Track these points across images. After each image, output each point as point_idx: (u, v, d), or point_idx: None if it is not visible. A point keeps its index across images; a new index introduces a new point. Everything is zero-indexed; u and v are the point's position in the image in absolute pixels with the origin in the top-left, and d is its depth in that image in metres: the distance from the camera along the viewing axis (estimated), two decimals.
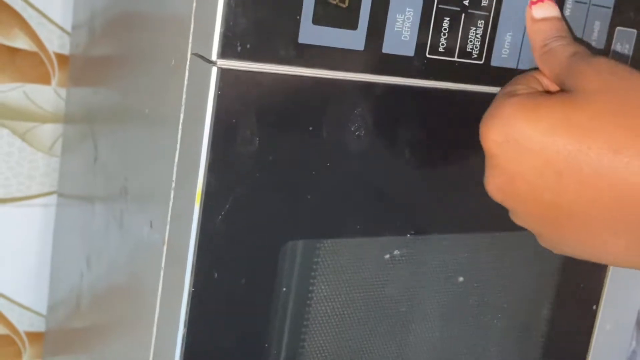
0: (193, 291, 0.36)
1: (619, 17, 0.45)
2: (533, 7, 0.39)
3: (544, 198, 0.34)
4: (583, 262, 0.51)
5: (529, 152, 0.33)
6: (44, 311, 0.67)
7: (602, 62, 0.35)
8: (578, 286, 0.51)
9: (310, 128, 0.37)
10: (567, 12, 0.43)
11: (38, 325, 0.67)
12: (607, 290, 0.51)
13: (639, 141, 0.31)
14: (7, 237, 0.64)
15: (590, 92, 0.33)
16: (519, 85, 0.37)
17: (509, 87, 0.37)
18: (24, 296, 0.66)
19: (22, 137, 0.62)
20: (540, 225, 0.36)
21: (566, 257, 0.50)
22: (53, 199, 0.64)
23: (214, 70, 0.34)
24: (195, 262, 0.36)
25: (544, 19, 0.39)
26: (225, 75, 0.34)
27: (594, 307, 0.52)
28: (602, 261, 0.36)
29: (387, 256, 0.42)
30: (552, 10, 0.40)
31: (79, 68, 0.58)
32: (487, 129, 0.35)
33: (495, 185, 0.36)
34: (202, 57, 0.35)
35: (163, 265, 0.38)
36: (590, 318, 0.53)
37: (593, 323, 0.53)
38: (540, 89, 0.37)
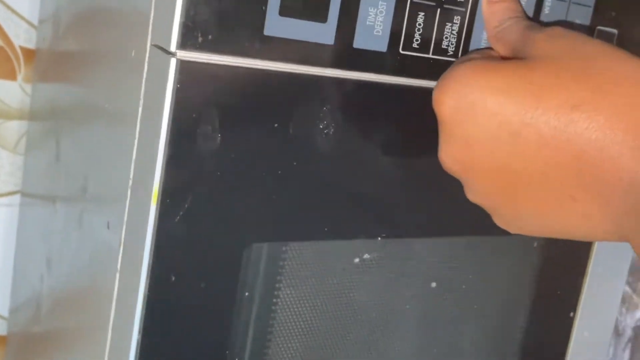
0: (148, 295, 0.34)
1: (599, 17, 0.43)
2: None
3: (501, 162, 0.32)
4: (560, 268, 0.50)
5: (484, 114, 0.32)
6: (6, 314, 0.64)
7: (556, 29, 0.34)
8: (555, 293, 0.50)
9: (276, 125, 0.35)
10: (546, 10, 0.41)
11: (0, 328, 0.65)
12: (585, 297, 0.50)
13: (598, 97, 0.30)
14: None
15: (546, 55, 0.32)
16: (473, 54, 0.36)
17: (463, 57, 0.36)
18: None
19: None
20: (495, 196, 0.34)
21: (543, 262, 0.49)
22: (17, 198, 0.62)
23: (173, 61, 0.32)
24: (151, 264, 0.34)
25: (499, 1, 0.38)
26: (184, 67, 0.32)
27: (571, 314, 0.51)
28: (556, 233, 0.34)
29: (357, 260, 0.41)
30: None
31: (44, 63, 0.56)
32: (440, 93, 0.34)
33: (450, 154, 0.34)
34: (161, 48, 0.33)
35: (119, 267, 0.36)
36: (568, 325, 0.51)
37: (570, 330, 0.52)
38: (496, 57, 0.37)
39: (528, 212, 0.34)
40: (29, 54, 0.60)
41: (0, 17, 0.58)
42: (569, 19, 0.43)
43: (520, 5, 0.39)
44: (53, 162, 0.49)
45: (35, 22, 0.59)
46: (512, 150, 0.32)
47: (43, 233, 0.52)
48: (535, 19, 0.41)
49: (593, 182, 0.30)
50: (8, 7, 0.58)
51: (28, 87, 0.60)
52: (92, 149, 0.42)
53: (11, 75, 0.60)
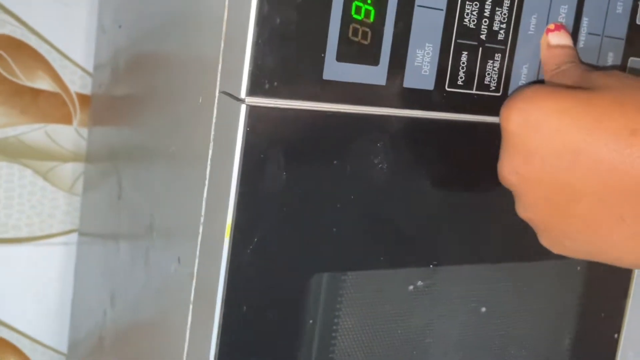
0: (223, 324, 0.36)
1: (631, 48, 0.46)
2: (550, 34, 0.41)
3: (558, 179, 0.35)
4: (603, 291, 0.52)
5: (548, 131, 0.35)
6: (65, 350, 0.67)
7: (615, 70, 0.38)
8: (599, 315, 0.52)
9: (335, 162, 0.38)
10: (581, 44, 0.44)
11: None
12: (628, 318, 0.51)
13: None
14: (28, 276, 0.65)
15: (606, 86, 0.35)
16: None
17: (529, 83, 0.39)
18: (45, 335, 0.66)
19: (44, 176, 0.63)
20: (546, 211, 0.36)
21: (586, 285, 0.50)
22: (73, 237, 0.65)
23: (243, 107, 0.35)
24: (225, 295, 0.36)
25: (558, 46, 0.41)
26: (253, 112, 0.35)
27: (616, 335, 0.52)
28: (600, 255, 0.36)
29: (411, 287, 0.43)
30: (566, 39, 0.42)
31: (101, 107, 0.59)
32: (507, 109, 0.36)
33: (510, 166, 0.37)
34: (230, 95, 0.36)
35: (192, 299, 0.38)
36: (612, 347, 0.53)
37: (615, 352, 0.53)
38: None
39: (576, 229, 0.36)
40: (84, 99, 0.63)
41: (57, 64, 0.62)
42: (603, 51, 0.45)
43: (577, 52, 0.42)
44: (114, 201, 0.52)
45: (90, 69, 0.63)
46: (571, 167, 0.34)
47: (104, 269, 0.55)
48: None
49: None
50: (64, 55, 0.62)
51: (83, 131, 0.64)
52: (158, 188, 0.45)
53: (67, 120, 0.63)
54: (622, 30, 0.45)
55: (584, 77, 0.37)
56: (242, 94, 0.35)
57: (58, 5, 0.61)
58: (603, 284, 0.51)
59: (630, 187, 0.33)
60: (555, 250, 0.38)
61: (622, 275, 0.51)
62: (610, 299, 0.51)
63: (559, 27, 0.41)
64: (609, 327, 0.52)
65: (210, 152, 0.37)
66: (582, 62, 0.41)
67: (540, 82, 0.42)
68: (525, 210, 0.38)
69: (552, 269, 0.48)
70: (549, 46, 0.41)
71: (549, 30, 0.41)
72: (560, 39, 0.41)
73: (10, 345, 0.65)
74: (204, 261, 0.38)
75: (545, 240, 0.38)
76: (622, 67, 0.46)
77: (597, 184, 0.34)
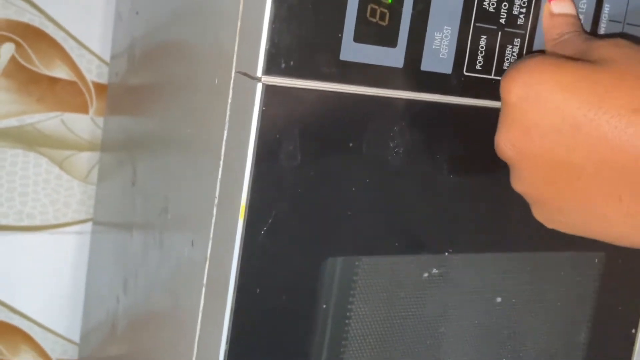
0: (236, 307, 0.36)
1: None
2: (552, 2, 0.40)
3: (557, 154, 0.34)
4: (621, 285, 0.51)
5: (549, 105, 0.34)
6: (77, 339, 0.67)
7: (619, 38, 0.36)
8: (616, 309, 0.51)
9: (351, 144, 0.38)
10: (602, 31, 0.43)
11: (71, 353, 0.67)
12: None
13: None
14: (41, 264, 0.65)
15: (611, 59, 0.34)
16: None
17: (532, 53, 0.38)
18: (58, 324, 0.66)
19: (60, 165, 0.64)
20: (543, 186, 0.36)
21: (604, 278, 0.49)
22: (88, 226, 0.65)
23: (259, 86, 0.34)
24: (237, 278, 0.36)
25: (561, 14, 0.40)
26: (269, 91, 0.34)
27: (633, 330, 0.51)
28: (593, 232, 0.35)
29: (426, 275, 0.42)
30: (569, 7, 0.41)
31: (117, 96, 0.59)
32: (508, 80, 0.35)
33: (508, 139, 0.36)
34: (246, 74, 0.35)
35: (205, 282, 0.38)
36: (630, 341, 0.52)
37: (632, 347, 0.52)
38: None
39: (572, 206, 0.35)
40: (100, 88, 0.63)
41: (74, 53, 0.62)
42: None
43: (580, 21, 0.41)
44: (129, 188, 0.52)
45: (107, 58, 0.63)
46: (571, 144, 0.33)
47: (117, 256, 0.55)
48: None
49: None
50: (81, 44, 0.62)
51: (99, 120, 0.64)
52: (172, 172, 0.45)
53: (83, 109, 0.64)
54: None
55: (587, 47, 0.36)
56: (259, 72, 0.34)
57: None
58: (621, 278, 0.50)
59: (629, 166, 0.32)
60: (549, 224, 0.38)
61: None
62: (628, 293, 0.50)
63: None
64: (626, 322, 0.51)
65: (225, 133, 0.37)
66: (584, 31, 0.40)
67: (543, 50, 0.41)
68: (521, 183, 0.37)
69: (570, 260, 0.47)
70: (552, 14, 0.40)
71: None
72: (563, 7, 0.40)
73: (23, 333, 0.65)
74: (218, 244, 0.37)
75: (539, 215, 0.38)
76: None
77: (597, 162, 0.33)
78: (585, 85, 0.33)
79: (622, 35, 0.44)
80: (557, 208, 0.36)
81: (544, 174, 0.35)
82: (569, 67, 0.34)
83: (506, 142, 0.36)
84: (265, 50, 0.34)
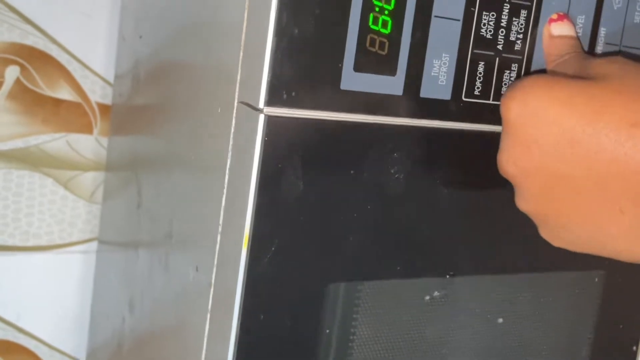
0: (240, 333, 0.36)
1: None
2: (552, 24, 0.41)
3: (558, 170, 0.34)
4: (622, 302, 0.51)
5: (547, 120, 0.34)
6: (83, 358, 0.68)
7: (617, 56, 0.37)
8: (617, 327, 0.51)
9: (352, 171, 0.38)
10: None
11: None
12: None
13: None
14: (47, 284, 0.65)
15: (607, 75, 0.35)
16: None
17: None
18: (64, 343, 0.67)
19: (65, 185, 0.64)
20: (546, 203, 0.36)
21: (604, 296, 0.50)
22: (93, 245, 0.66)
23: (261, 117, 0.35)
24: (242, 304, 0.36)
25: (560, 36, 0.41)
26: (271, 122, 0.35)
27: (634, 347, 0.52)
28: (598, 248, 0.36)
29: (427, 297, 0.43)
30: (569, 29, 0.41)
31: (121, 116, 0.60)
32: (507, 99, 0.36)
33: (509, 157, 0.36)
34: (249, 105, 0.36)
35: (210, 307, 0.39)
36: (631, 358, 0.52)
37: None
38: None
39: (575, 222, 0.35)
40: (104, 109, 0.64)
41: (78, 75, 0.63)
42: None
43: (580, 42, 0.41)
44: (134, 209, 0.53)
45: (110, 79, 0.64)
46: (570, 158, 0.34)
47: (123, 276, 0.55)
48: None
49: None
50: (85, 65, 0.63)
51: (104, 140, 0.65)
52: (177, 196, 0.45)
53: (87, 129, 0.64)
54: None
55: (586, 65, 0.37)
56: (261, 104, 0.35)
57: (80, 16, 0.62)
58: (621, 296, 0.50)
59: (629, 180, 0.32)
60: (555, 243, 0.38)
61: None
62: (629, 310, 0.51)
63: (562, 17, 0.41)
64: (628, 339, 0.51)
65: (228, 161, 0.38)
66: (583, 52, 0.41)
67: (543, 72, 0.42)
68: (525, 201, 0.37)
69: (570, 280, 0.47)
70: (551, 36, 0.41)
71: (551, 20, 0.41)
72: (562, 29, 0.41)
73: (30, 352, 0.66)
74: (222, 270, 0.38)
75: (544, 233, 0.38)
76: None
77: (596, 176, 0.33)
78: (582, 100, 0.34)
79: (620, 54, 0.45)
80: (561, 225, 0.36)
81: (545, 190, 0.36)
82: (565, 84, 0.35)
83: (508, 160, 0.37)
84: (267, 81, 0.35)
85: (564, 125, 0.34)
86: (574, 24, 0.42)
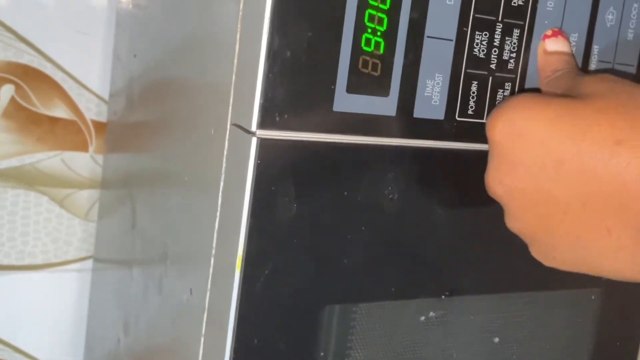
0: (234, 357, 0.36)
1: None
2: (547, 40, 0.41)
3: (544, 189, 0.34)
4: (618, 319, 0.51)
5: (532, 141, 0.34)
6: None
7: (606, 74, 0.37)
8: (614, 344, 0.51)
9: (345, 193, 0.38)
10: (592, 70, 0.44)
11: None
12: None
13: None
14: (43, 302, 0.65)
15: (594, 94, 0.34)
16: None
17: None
18: None
19: (60, 203, 0.64)
20: (534, 223, 0.36)
21: (601, 314, 0.50)
22: (88, 264, 0.66)
23: (254, 140, 0.35)
24: (236, 328, 0.36)
25: (555, 52, 0.41)
26: (264, 144, 0.35)
27: None
28: (588, 267, 0.35)
29: (423, 318, 0.42)
30: (563, 45, 0.41)
31: (116, 134, 0.60)
32: (492, 119, 0.36)
33: (496, 176, 0.36)
34: (241, 127, 0.36)
35: (203, 332, 0.39)
36: None
37: None
38: None
39: (564, 242, 0.35)
40: (99, 126, 0.64)
41: (73, 92, 0.63)
42: None
43: (574, 58, 0.41)
44: (129, 229, 0.53)
45: (105, 97, 0.64)
46: (556, 178, 0.34)
47: (118, 297, 0.55)
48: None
49: (630, 215, 0.32)
50: (80, 83, 0.63)
51: (99, 158, 0.65)
52: (171, 217, 0.45)
53: (83, 147, 0.64)
54: (633, 57, 0.45)
55: (577, 82, 0.37)
56: (253, 127, 0.35)
57: (75, 34, 0.62)
58: (618, 313, 0.50)
59: (615, 198, 0.32)
60: (546, 262, 0.38)
61: (637, 303, 0.50)
62: (626, 327, 0.50)
63: (557, 32, 0.41)
64: (625, 356, 0.51)
65: (221, 183, 0.37)
66: (577, 68, 0.41)
67: (536, 90, 0.42)
68: (513, 221, 0.37)
69: (566, 298, 0.47)
70: (546, 52, 0.41)
71: (546, 36, 0.41)
72: (557, 45, 0.41)
73: None
74: (216, 293, 0.38)
75: (535, 253, 0.38)
76: None
77: (582, 195, 0.33)
78: (568, 119, 0.34)
79: (611, 71, 0.45)
80: (550, 245, 0.36)
81: (533, 210, 0.35)
82: (551, 103, 0.35)
83: (494, 180, 0.37)
84: (260, 104, 0.35)
85: (550, 145, 0.34)
86: (569, 40, 0.42)
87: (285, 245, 0.37)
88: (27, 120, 0.62)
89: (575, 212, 0.34)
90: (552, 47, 0.41)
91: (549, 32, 0.41)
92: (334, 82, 0.36)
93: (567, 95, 0.37)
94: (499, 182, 0.36)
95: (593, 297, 0.48)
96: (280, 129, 0.35)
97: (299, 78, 0.35)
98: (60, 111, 0.63)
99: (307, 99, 0.36)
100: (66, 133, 0.63)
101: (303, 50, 0.35)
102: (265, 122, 0.35)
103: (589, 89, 0.35)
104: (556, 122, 0.34)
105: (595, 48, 0.44)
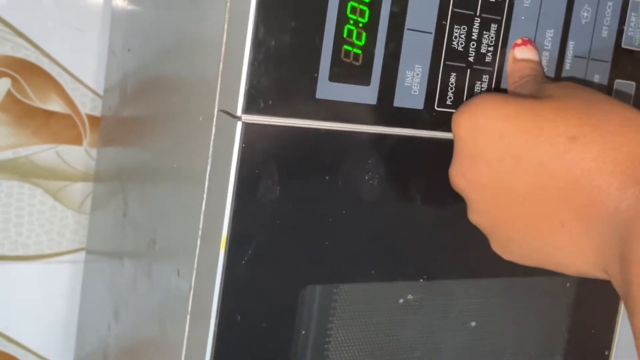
0: (218, 334, 0.38)
1: (617, 71, 0.47)
2: (516, 48, 0.43)
3: (502, 183, 0.36)
4: (594, 307, 0.52)
5: (492, 135, 0.36)
6: None
7: (569, 82, 0.39)
8: (589, 331, 0.52)
9: (327, 177, 0.40)
10: (567, 67, 0.46)
11: None
12: (619, 334, 0.52)
13: (595, 133, 0.33)
14: (35, 293, 0.66)
15: (554, 95, 0.37)
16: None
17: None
18: (51, 352, 0.68)
19: (54, 195, 0.66)
20: (493, 216, 0.38)
21: (576, 301, 0.51)
22: (81, 255, 0.67)
23: (239, 124, 0.36)
24: (220, 305, 0.38)
25: (523, 59, 0.43)
26: (248, 129, 0.37)
27: (606, 352, 0.53)
28: (544, 261, 0.37)
29: (401, 301, 0.44)
30: (531, 53, 0.44)
31: (110, 128, 0.62)
32: (457, 115, 0.38)
33: (459, 170, 0.38)
34: (228, 113, 0.38)
35: (189, 310, 0.40)
36: None
37: None
38: None
39: (521, 235, 0.37)
40: (94, 120, 0.66)
41: (68, 87, 0.65)
42: (589, 73, 0.47)
43: (541, 66, 0.43)
44: (120, 218, 0.54)
45: (100, 92, 0.65)
46: (513, 172, 0.36)
47: (109, 285, 0.57)
48: (557, 76, 0.45)
49: (582, 209, 0.33)
50: (75, 77, 0.65)
51: (93, 151, 0.66)
52: (160, 204, 0.47)
53: (77, 141, 0.66)
54: (607, 53, 0.47)
55: (541, 88, 0.39)
56: (239, 111, 0.36)
57: (71, 30, 0.64)
58: (593, 300, 0.52)
59: (567, 191, 0.34)
60: (506, 256, 0.39)
61: (613, 292, 0.52)
62: (601, 315, 0.52)
63: (526, 42, 0.43)
64: (600, 343, 0.52)
65: (208, 168, 0.39)
66: (543, 76, 0.43)
67: (504, 91, 0.44)
68: (474, 214, 0.39)
69: (542, 285, 0.49)
70: (515, 59, 0.43)
71: (516, 45, 0.43)
72: (525, 53, 0.43)
73: None
74: (201, 274, 0.39)
75: (495, 246, 0.39)
76: (608, 89, 0.48)
77: (538, 188, 0.35)
78: (527, 117, 0.36)
79: (573, 80, 0.47)
80: (508, 238, 0.38)
81: (493, 203, 0.37)
82: (512, 101, 0.37)
83: (457, 174, 0.39)
84: (245, 91, 0.36)
85: (508, 140, 0.36)
86: (538, 50, 0.44)
87: (268, 227, 0.38)
88: (22, 114, 0.63)
89: (532, 205, 0.35)
90: (521, 55, 0.43)
91: (519, 41, 0.43)
92: (317, 71, 0.38)
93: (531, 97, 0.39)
94: (462, 175, 0.38)
95: (568, 285, 0.50)
96: (264, 114, 0.37)
97: (283, 66, 0.37)
98: (55, 105, 0.64)
99: (291, 87, 0.37)
100: (61, 127, 0.65)
101: (287, 40, 0.37)
102: (250, 107, 0.37)
103: (550, 92, 0.38)
104: (515, 119, 0.36)
105: (570, 44, 0.46)
